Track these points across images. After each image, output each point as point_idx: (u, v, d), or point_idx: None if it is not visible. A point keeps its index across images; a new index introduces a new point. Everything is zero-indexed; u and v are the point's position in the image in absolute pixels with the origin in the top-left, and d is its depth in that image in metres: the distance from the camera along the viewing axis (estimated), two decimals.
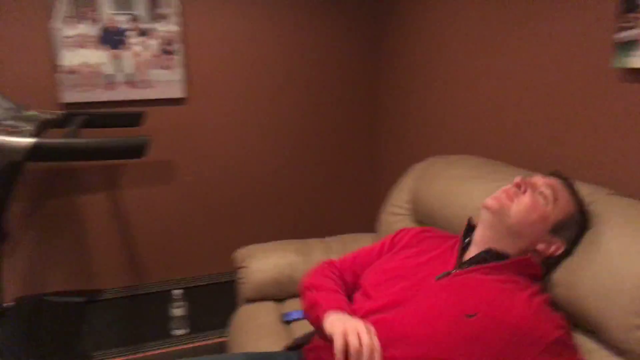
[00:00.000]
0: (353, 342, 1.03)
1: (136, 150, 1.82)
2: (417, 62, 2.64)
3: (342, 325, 1.08)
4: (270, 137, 2.99)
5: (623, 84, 1.48)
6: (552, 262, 1.24)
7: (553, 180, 1.26)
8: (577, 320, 1.19)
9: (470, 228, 1.34)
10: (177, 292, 2.33)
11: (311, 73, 2.97)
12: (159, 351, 2.17)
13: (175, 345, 2.21)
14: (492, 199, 1.23)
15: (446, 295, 1.15)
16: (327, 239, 2.18)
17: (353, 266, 1.47)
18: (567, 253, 1.22)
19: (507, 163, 1.83)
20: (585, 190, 1.34)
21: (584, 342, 1.18)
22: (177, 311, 2.31)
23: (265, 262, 2.01)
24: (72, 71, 2.54)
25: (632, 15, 1.39)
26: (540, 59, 1.80)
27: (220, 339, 2.24)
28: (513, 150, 1.99)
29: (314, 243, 2.14)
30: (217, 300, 2.62)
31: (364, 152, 3.20)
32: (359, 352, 1.03)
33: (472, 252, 1.27)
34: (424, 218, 1.85)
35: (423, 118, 2.63)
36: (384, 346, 1.10)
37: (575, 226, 1.22)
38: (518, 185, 1.24)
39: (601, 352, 1.14)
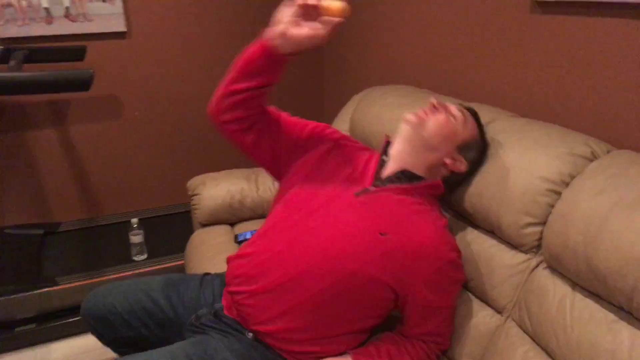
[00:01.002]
0: None
1: (81, 83, 1.86)
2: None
3: None
4: (217, 67, 3.00)
5: (531, 15, 1.64)
6: (453, 181, 1.42)
7: (464, 109, 1.43)
8: (482, 223, 1.42)
9: (387, 145, 1.46)
10: (134, 220, 2.44)
11: (257, 4, 2.98)
12: (119, 274, 2.30)
13: (135, 269, 2.34)
14: (412, 114, 1.37)
15: (364, 213, 1.29)
16: None
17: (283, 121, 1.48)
18: (468, 174, 1.41)
19: (434, 91, 1.99)
20: (491, 113, 1.54)
21: (486, 239, 1.41)
22: (136, 238, 2.43)
23: (216, 189, 2.15)
24: (8, 4, 2.48)
25: None
26: None
27: (177, 262, 2.39)
28: (439, 78, 2.15)
29: (262, 171, 2.25)
30: (174, 229, 2.75)
31: (310, 84, 3.28)
32: None
33: (389, 168, 1.37)
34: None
35: (363, 51, 2.74)
36: (302, 255, 1.25)
37: (477, 150, 1.40)
38: (434, 106, 1.38)
39: (500, 247, 1.38)
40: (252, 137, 1.41)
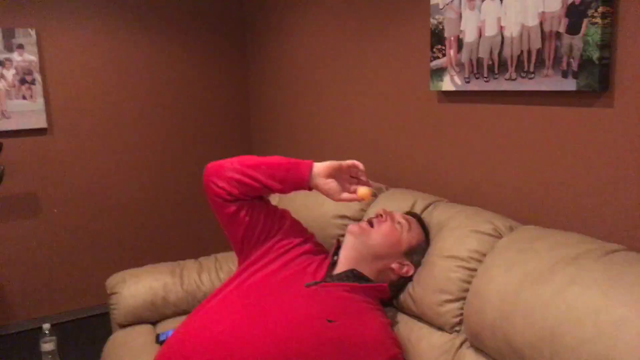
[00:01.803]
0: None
1: None
2: (283, 92, 2.83)
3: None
4: (137, 163, 2.99)
5: (438, 104, 1.76)
6: (399, 285, 1.45)
7: (408, 216, 1.50)
8: (413, 312, 1.43)
9: (339, 247, 1.53)
10: (46, 326, 2.23)
11: (177, 97, 3.04)
12: None
13: None
14: (355, 226, 1.45)
15: (312, 301, 1.31)
16: (201, 258, 2.25)
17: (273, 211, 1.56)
18: (413, 276, 1.44)
19: None
20: (412, 198, 1.61)
21: (415, 322, 1.42)
22: (47, 346, 2.20)
23: (137, 286, 2.03)
24: None
25: (439, 47, 1.67)
26: (378, 87, 2.05)
27: None
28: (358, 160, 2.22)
29: (188, 263, 2.19)
30: (91, 333, 2.56)
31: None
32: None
33: (339, 267, 1.45)
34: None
35: (289, 143, 2.81)
36: (246, 337, 1.21)
37: (423, 253, 1.45)
38: (380, 215, 1.46)
39: (428, 329, 1.37)
40: (234, 209, 1.45)
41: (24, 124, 2.64)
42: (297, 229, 1.58)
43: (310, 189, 1.40)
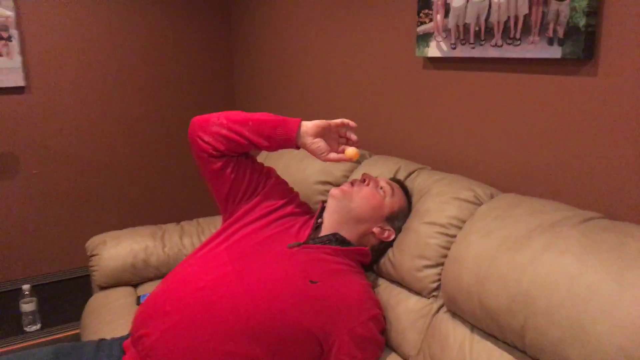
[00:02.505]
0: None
1: None
2: (267, 57, 2.78)
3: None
4: (118, 123, 2.93)
5: (424, 70, 1.75)
6: (380, 249, 1.46)
7: (391, 181, 1.49)
8: (392, 277, 1.44)
9: (323, 209, 1.52)
10: (26, 287, 2.24)
11: (158, 54, 2.97)
12: (8, 348, 2.08)
13: (27, 341, 2.13)
14: (337, 189, 1.44)
15: (295, 262, 1.31)
16: (183, 222, 2.24)
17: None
18: (394, 241, 1.45)
19: None
20: (396, 165, 1.61)
21: (394, 287, 1.43)
22: (27, 306, 2.23)
23: (118, 249, 2.02)
24: None
25: (426, 11, 1.64)
26: (364, 52, 2.02)
27: (74, 332, 2.20)
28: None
29: (170, 227, 2.18)
30: (71, 294, 2.56)
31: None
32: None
33: (323, 231, 1.44)
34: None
35: (272, 106, 2.78)
36: (227, 294, 1.22)
37: (404, 219, 1.45)
38: (363, 179, 1.46)
39: (406, 293, 1.39)
40: (220, 165, 1.43)
41: (0, 82, 2.56)
42: (282, 189, 1.56)
43: (298, 147, 1.38)
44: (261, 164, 1.55)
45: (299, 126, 1.35)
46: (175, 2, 2.95)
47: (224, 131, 1.38)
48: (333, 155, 1.35)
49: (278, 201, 1.51)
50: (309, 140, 1.34)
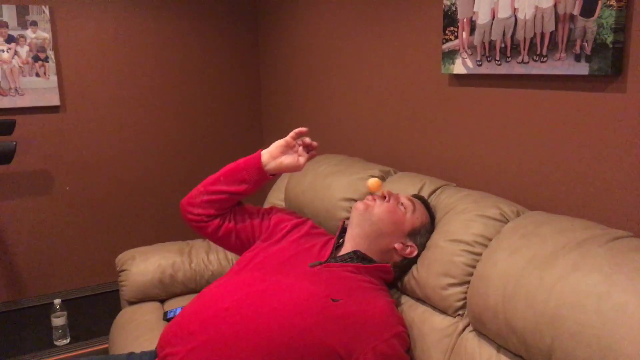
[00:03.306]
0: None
1: (3, 156, 1.80)
2: (294, 75, 2.82)
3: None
4: (149, 142, 3.00)
5: (449, 87, 1.74)
6: (403, 266, 1.45)
7: (413, 198, 1.50)
8: (417, 295, 1.42)
9: (344, 229, 1.54)
10: (57, 302, 2.29)
11: (188, 76, 3.04)
12: None
13: (56, 355, 2.17)
14: (361, 203, 1.46)
15: (316, 281, 1.32)
16: None
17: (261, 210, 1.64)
18: (417, 258, 1.44)
19: (364, 159, 2.04)
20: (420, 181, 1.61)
21: (419, 305, 1.41)
22: (58, 320, 2.27)
23: (146, 264, 2.05)
24: None
25: (451, 28, 1.65)
26: (389, 69, 2.04)
27: (102, 346, 2.23)
28: (369, 148, 2.22)
29: (197, 243, 2.22)
30: (101, 309, 2.60)
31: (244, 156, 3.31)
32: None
33: (344, 249, 1.46)
34: (296, 211, 2.01)
35: (298, 120, 2.81)
36: (251, 313, 1.23)
37: (427, 235, 1.45)
38: (384, 196, 1.47)
39: (431, 312, 1.37)
40: (217, 223, 1.54)
41: (37, 101, 2.66)
42: (292, 213, 1.64)
43: (272, 176, 1.49)
44: (257, 207, 1.65)
45: (261, 157, 1.47)
46: (206, 24, 3.02)
47: (206, 197, 1.51)
48: (302, 159, 1.48)
49: (292, 222, 1.58)
50: (276, 163, 1.47)
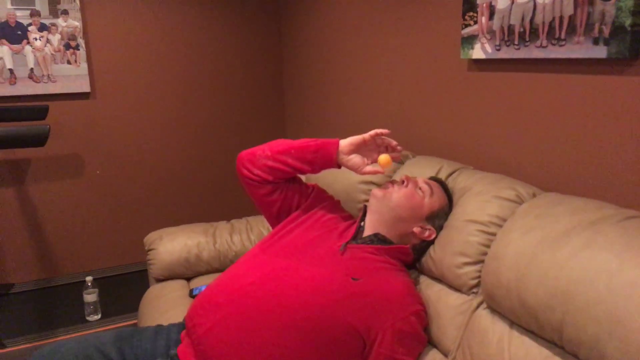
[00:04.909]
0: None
1: (37, 139, 1.88)
2: (315, 63, 2.85)
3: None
4: (176, 128, 3.09)
5: (468, 72, 1.76)
6: (422, 248, 1.49)
7: (431, 181, 1.53)
8: (433, 274, 1.47)
9: (365, 212, 1.58)
10: (89, 279, 2.39)
11: (214, 64, 3.10)
12: (72, 335, 2.23)
13: (88, 329, 2.27)
14: (379, 190, 1.50)
15: (338, 261, 1.38)
16: (233, 220, 2.34)
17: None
18: (435, 239, 1.48)
19: None
20: (438, 164, 1.63)
21: (435, 284, 1.46)
22: (90, 297, 2.37)
23: (173, 244, 2.13)
24: None
25: (471, 14, 1.66)
26: (409, 55, 2.06)
27: (132, 322, 2.33)
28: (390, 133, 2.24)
29: (221, 225, 2.28)
30: (130, 287, 2.70)
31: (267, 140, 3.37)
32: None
33: (365, 232, 1.51)
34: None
35: (321, 111, 2.85)
36: (274, 289, 1.29)
37: (445, 218, 1.48)
38: (402, 181, 1.50)
39: (446, 290, 1.41)
40: (268, 190, 1.56)
41: (68, 87, 2.76)
42: (324, 196, 1.66)
43: (339, 166, 1.48)
44: (305, 183, 1.65)
45: (338, 147, 1.44)
46: (232, 13, 3.07)
47: (270, 162, 1.50)
48: (368, 168, 1.44)
49: (322, 206, 1.61)
50: (344, 159, 1.44)
